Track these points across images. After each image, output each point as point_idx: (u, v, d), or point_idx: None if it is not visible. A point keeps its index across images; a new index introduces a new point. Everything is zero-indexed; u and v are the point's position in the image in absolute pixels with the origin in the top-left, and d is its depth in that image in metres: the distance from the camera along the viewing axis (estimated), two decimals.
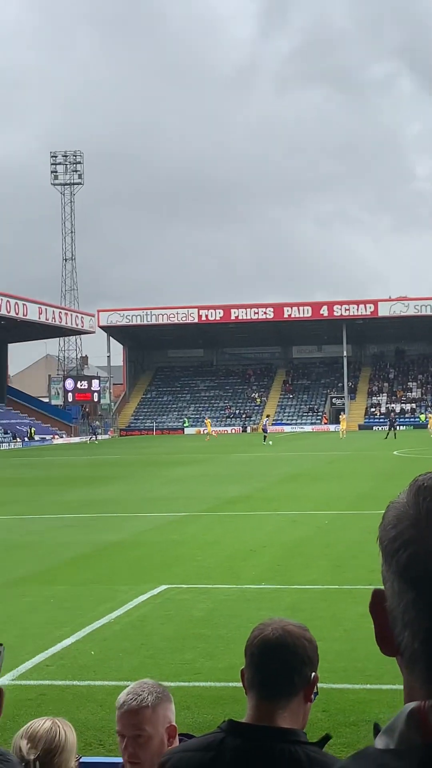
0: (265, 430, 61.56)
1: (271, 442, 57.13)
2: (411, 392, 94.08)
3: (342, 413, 77.75)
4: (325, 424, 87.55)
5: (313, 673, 2.48)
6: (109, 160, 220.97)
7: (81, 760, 3.36)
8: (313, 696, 2.47)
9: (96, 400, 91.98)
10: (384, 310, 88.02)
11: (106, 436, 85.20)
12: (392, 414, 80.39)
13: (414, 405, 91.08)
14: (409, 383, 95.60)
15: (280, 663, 2.42)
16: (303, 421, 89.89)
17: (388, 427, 67.45)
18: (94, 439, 79.42)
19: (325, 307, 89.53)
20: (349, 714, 7.30)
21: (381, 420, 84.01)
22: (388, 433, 63.72)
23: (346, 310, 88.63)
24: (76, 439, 79.28)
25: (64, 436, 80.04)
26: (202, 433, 78.42)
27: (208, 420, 75.11)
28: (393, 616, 1.05)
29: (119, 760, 4.88)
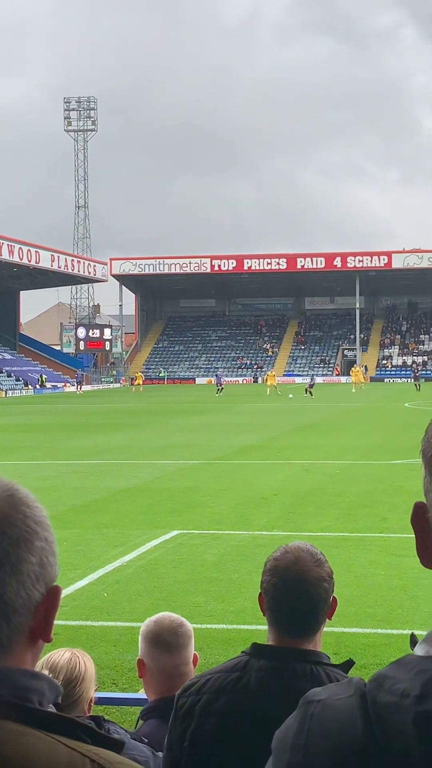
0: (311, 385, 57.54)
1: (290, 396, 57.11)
2: (423, 345, 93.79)
3: (355, 365, 76.77)
4: (337, 375, 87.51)
5: (333, 597, 2.50)
6: (118, 108, 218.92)
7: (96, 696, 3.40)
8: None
9: (108, 348, 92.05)
10: (398, 262, 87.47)
11: (118, 385, 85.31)
12: (416, 366, 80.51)
13: (426, 358, 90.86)
14: (421, 336, 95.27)
15: (301, 612, 2.43)
16: (315, 373, 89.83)
17: (413, 379, 67.50)
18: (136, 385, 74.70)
19: (338, 259, 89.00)
20: (359, 657, 7.36)
21: (393, 372, 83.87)
22: (417, 385, 63.29)
23: (359, 261, 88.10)
24: (87, 387, 79.23)
25: (75, 384, 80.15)
26: (212, 383, 78.33)
27: (140, 374, 75.71)
28: None
29: (132, 695, 4.94)
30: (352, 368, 70.77)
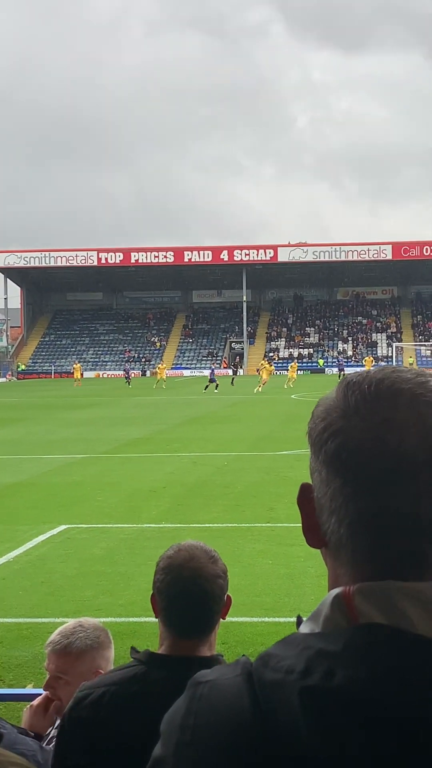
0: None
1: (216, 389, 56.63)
2: (309, 337, 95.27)
3: (264, 359, 73.56)
4: (225, 368, 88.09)
5: (227, 595, 2.49)
6: None
7: None
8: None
9: None
10: (283, 256, 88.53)
11: (4, 380, 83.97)
12: (340, 357, 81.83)
13: (312, 350, 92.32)
14: (306, 329, 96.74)
15: (196, 611, 2.39)
16: (203, 365, 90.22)
17: (338, 370, 68.52)
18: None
19: (225, 252, 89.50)
20: (248, 646, 7.43)
21: (280, 364, 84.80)
22: (340, 375, 64.18)
23: (246, 255, 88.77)
24: None
25: None
26: (100, 376, 77.84)
27: (78, 364, 73.11)
28: (320, 505, 1.09)
29: (19, 691, 4.87)
30: (261, 363, 62.50)
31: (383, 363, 75.23)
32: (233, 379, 59.35)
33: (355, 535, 1.04)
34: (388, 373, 1.09)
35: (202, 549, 2.48)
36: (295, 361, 75.63)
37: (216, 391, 51.51)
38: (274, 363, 78.74)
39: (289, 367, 63.33)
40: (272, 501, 14.33)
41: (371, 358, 73.31)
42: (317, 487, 1.09)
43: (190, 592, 2.38)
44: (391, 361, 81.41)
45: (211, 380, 54.39)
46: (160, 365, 64.89)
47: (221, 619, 2.48)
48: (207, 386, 53.19)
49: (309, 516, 1.11)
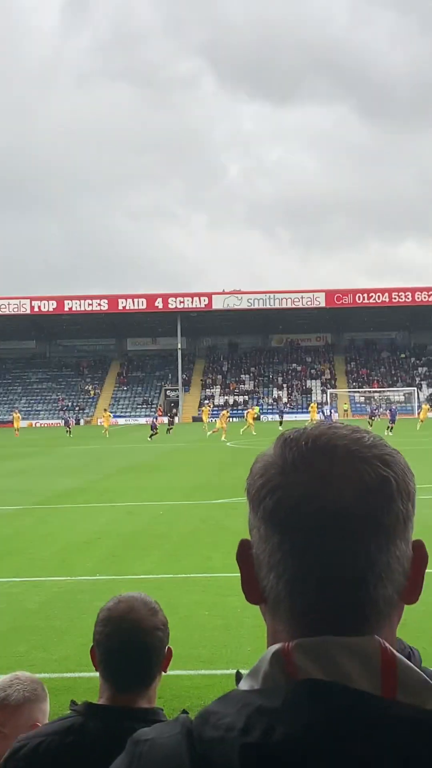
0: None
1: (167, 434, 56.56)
2: (244, 384, 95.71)
3: (226, 410, 69.04)
4: (160, 416, 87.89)
5: (167, 647, 2.45)
6: None
7: None
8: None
9: None
10: (218, 303, 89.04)
11: None
12: (281, 403, 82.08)
13: (246, 397, 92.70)
14: (241, 375, 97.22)
15: (136, 663, 2.36)
16: (137, 414, 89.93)
17: (279, 417, 68.93)
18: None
19: (159, 300, 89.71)
20: (184, 699, 7.32)
21: (215, 412, 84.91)
22: (280, 422, 64.91)
23: (180, 302, 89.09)
24: None
25: None
26: (33, 426, 77.10)
27: (17, 413, 71.75)
28: (258, 561, 1.10)
29: None
30: (223, 412, 58.05)
31: (327, 407, 75.70)
32: (169, 428, 59.44)
33: (294, 591, 1.05)
34: (324, 429, 1.11)
35: (142, 600, 2.44)
36: (228, 409, 75.31)
37: (150, 439, 51.38)
38: (211, 410, 78.78)
39: (246, 414, 62.09)
40: (209, 550, 14.23)
41: (315, 405, 73.48)
42: (256, 543, 1.10)
43: (128, 644, 2.35)
44: (327, 407, 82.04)
45: (153, 427, 54.72)
46: (105, 413, 64.44)
47: (162, 672, 2.44)
48: (152, 434, 53.20)
49: (248, 572, 1.11)
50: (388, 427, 54.11)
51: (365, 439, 1.10)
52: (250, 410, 64.17)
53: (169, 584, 11.93)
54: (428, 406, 65.46)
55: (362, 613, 1.04)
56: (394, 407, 63.81)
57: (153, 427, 54.60)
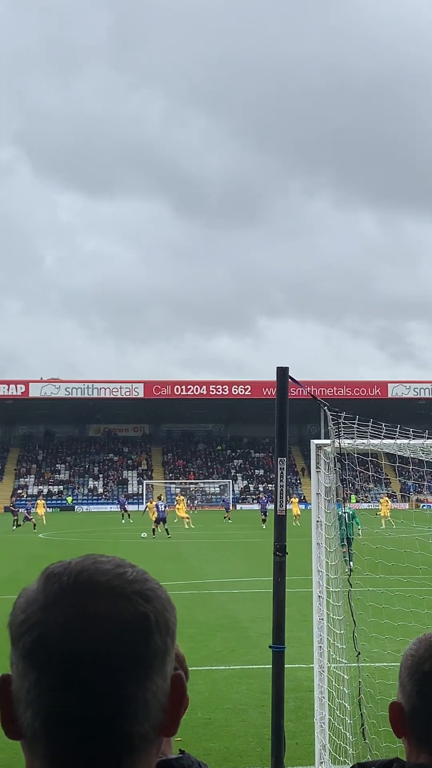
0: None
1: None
2: (59, 474, 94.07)
3: (180, 495, 61.76)
4: None
5: None
6: None
7: None
8: None
9: None
10: (35, 392, 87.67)
11: None
12: (225, 500, 73.27)
13: (62, 487, 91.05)
14: (57, 464, 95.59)
15: None
16: None
17: (120, 507, 65.33)
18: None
19: None
20: None
21: (27, 501, 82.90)
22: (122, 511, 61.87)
23: None
24: None
25: None
26: None
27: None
28: (17, 698, 1.08)
29: None
30: (151, 500, 55.42)
31: (160, 503, 74.91)
32: None
33: (50, 730, 1.05)
34: (87, 564, 1.10)
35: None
36: (42, 497, 73.02)
37: (130, 520, 50.66)
38: (20, 501, 76.63)
39: (176, 504, 54.47)
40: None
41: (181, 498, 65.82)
42: (15, 680, 1.08)
43: None
44: (142, 498, 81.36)
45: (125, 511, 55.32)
46: None
47: None
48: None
49: (7, 708, 1.09)
50: (225, 517, 54.74)
51: (128, 574, 1.10)
52: (178, 499, 55.32)
53: None
54: (387, 500, 52.14)
55: (116, 751, 1.05)
56: (226, 498, 63.71)
57: None
